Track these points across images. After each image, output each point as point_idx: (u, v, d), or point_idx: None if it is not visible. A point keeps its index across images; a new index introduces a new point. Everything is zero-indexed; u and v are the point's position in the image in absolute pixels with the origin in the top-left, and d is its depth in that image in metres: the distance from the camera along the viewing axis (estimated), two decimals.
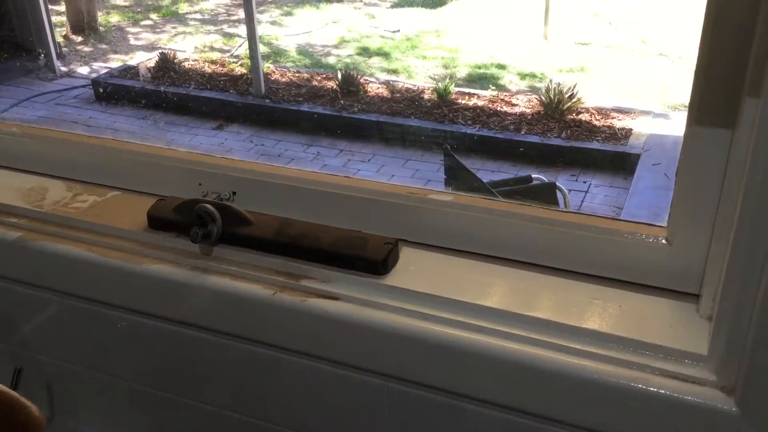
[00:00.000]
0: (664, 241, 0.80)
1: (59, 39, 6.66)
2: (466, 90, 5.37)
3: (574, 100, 4.91)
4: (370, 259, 0.86)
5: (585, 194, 4.13)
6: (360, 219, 0.92)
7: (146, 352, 1.00)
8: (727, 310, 0.70)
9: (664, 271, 0.81)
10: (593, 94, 5.09)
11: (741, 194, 0.67)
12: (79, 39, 6.89)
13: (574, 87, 4.98)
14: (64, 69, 6.31)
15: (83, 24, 6.98)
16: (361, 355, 0.85)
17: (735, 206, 0.68)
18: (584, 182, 4.28)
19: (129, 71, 5.99)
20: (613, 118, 4.85)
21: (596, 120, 4.82)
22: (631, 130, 4.69)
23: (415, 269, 0.87)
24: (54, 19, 6.80)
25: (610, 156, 4.45)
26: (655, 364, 0.73)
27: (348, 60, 6.20)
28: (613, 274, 0.83)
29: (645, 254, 0.81)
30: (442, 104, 5.13)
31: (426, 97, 5.29)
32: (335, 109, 5.15)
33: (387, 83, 5.53)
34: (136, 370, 1.03)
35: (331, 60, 6.25)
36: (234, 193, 0.98)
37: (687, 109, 0.74)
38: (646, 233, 0.81)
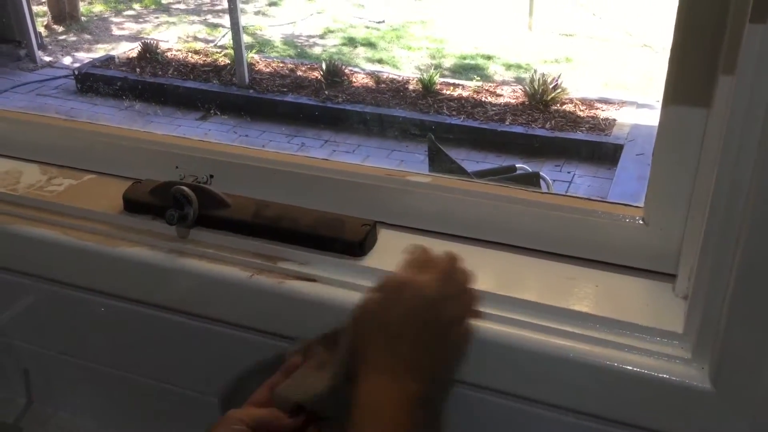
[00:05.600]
0: (640, 221, 0.80)
1: (40, 29, 6.58)
2: (451, 80, 5.36)
3: (558, 90, 4.93)
4: (348, 241, 0.86)
5: (569, 184, 4.15)
6: (338, 201, 0.92)
7: (122, 336, 0.99)
8: (702, 288, 0.70)
9: (640, 251, 0.81)
10: (578, 85, 5.11)
11: (715, 173, 0.67)
12: (61, 29, 6.82)
13: (559, 77, 4.99)
14: (46, 59, 6.24)
15: (65, 13, 6.91)
16: None
17: (709, 185, 0.68)
18: (568, 172, 4.30)
19: (111, 61, 5.93)
20: (597, 108, 4.87)
21: (580, 110, 4.84)
22: (615, 120, 4.72)
23: (393, 251, 0.87)
24: (35, 8, 6.72)
25: (594, 146, 4.47)
26: (630, 342, 0.73)
27: (334, 50, 6.18)
28: (590, 255, 0.83)
29: (622, 234, 0.81)
30: (427, 95, 5.13)
31: (411, 87, 5.28)
32: (320, 100, 5.13)
33: (372, 74, 5.52)
34: (112, 354, 1.03)
35: (317, 50, 6.22)
36: (211, 176, 0.97)
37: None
38: (623, 213, 0.81)
